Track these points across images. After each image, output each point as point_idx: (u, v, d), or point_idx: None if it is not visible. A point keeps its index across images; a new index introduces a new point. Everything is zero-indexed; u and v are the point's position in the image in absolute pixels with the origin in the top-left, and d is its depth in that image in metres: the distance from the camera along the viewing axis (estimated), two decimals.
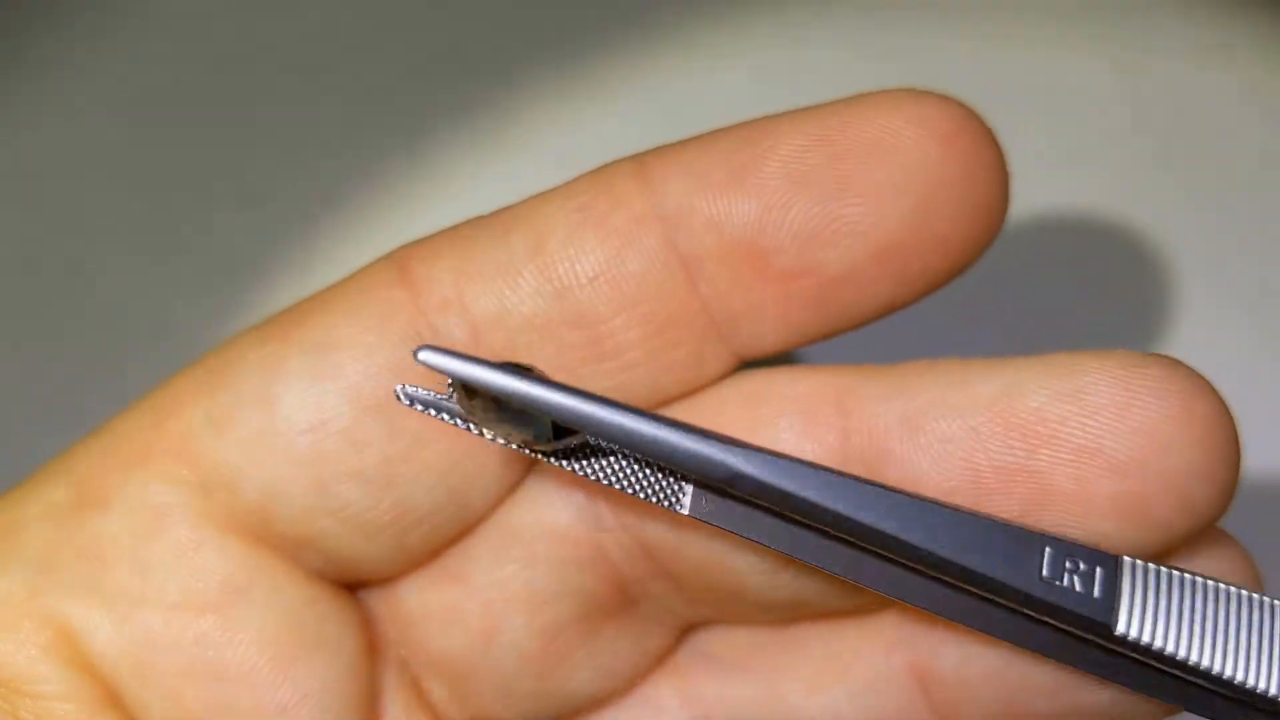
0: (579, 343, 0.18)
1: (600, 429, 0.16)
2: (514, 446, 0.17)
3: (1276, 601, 0.17)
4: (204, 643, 0.18)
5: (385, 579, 0.20)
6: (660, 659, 0.21)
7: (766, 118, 0.18)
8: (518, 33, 0.36)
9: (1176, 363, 0.17)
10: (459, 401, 0.17)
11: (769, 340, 0.19)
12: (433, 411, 0.17)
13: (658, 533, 0.19)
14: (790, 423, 0.18)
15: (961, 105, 0.18)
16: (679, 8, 0.35)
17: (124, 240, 0.34)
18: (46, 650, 0.18)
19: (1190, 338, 0.31)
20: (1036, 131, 0.33)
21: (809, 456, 0.18)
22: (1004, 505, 0.17)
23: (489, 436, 0.17)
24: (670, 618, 0.20)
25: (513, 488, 0.20)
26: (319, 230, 0.34)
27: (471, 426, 0.17)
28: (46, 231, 0.35)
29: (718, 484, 0.17)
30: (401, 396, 0.17)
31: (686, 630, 0.21)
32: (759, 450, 0.17)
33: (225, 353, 0.19)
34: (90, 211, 0.35)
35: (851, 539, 0.17)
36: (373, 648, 0.20)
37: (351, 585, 0.20)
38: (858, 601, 0.19)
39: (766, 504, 0.17)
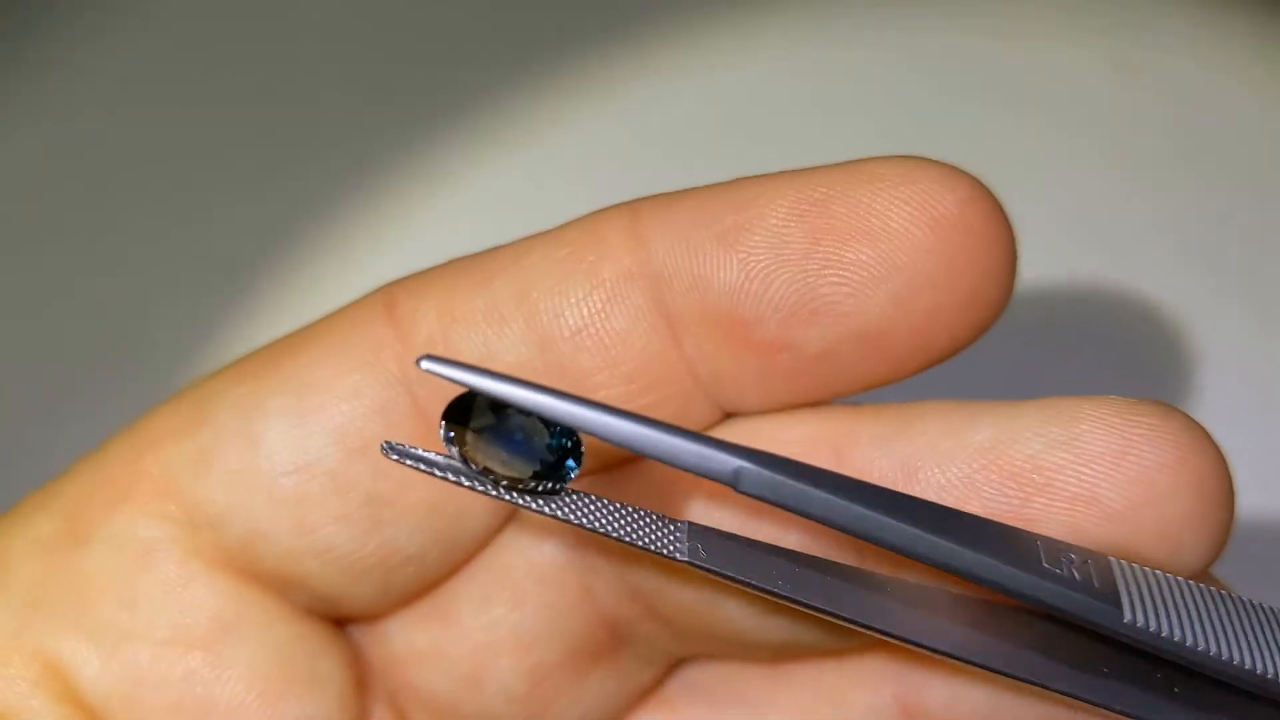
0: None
1: (603, 432, 0.16)
2: (505, 497, 0.17)
3: (1258, 602, 0.17)
4: (192, 678, 0.18)
5: (372, 617, 0.20)
6: (649, 692, 0.21)
7: (760, 179, 0.18)
8: (517, 33, 0.35)
9: (1171, 409, 0.17)
10: (453, 434, 0.16)
11: (753, 404, 0.18)
12: (421, 466, 0.17)
13: (647, 576, 0.19)
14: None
15: (966, 183, 0.17)
16: (679, 8, 0.35)
17: (122, 242, 0.34)
18: (36, 684, 0.18)
19: (1188, 342, 0.31)
20: (1032, 130, 0.33)
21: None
22: None
23: (480, 488, 0.17)
24: (660, 656, 0.20)
25: (500, 528, 0.19)
26: (319, 230, 0.34)
27: (463, 479, 0.17)
28: (44, 232, 0.35)
29: (720, 482, 0.16)
30: (389, 452, 0.17)
31: (675, 665, 0.21)
32: (760, 451, 0.16)
33: (208, 387, 0.19)
34: (89, 212, 0.34)
35: (854, 535, 0.17)
36: (361, 683, 0.20)
37: (340, 620, 0.20)
38: (851, 643, 0.19)
39: (768, 500, 0.16)
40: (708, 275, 0.17)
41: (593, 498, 0.17)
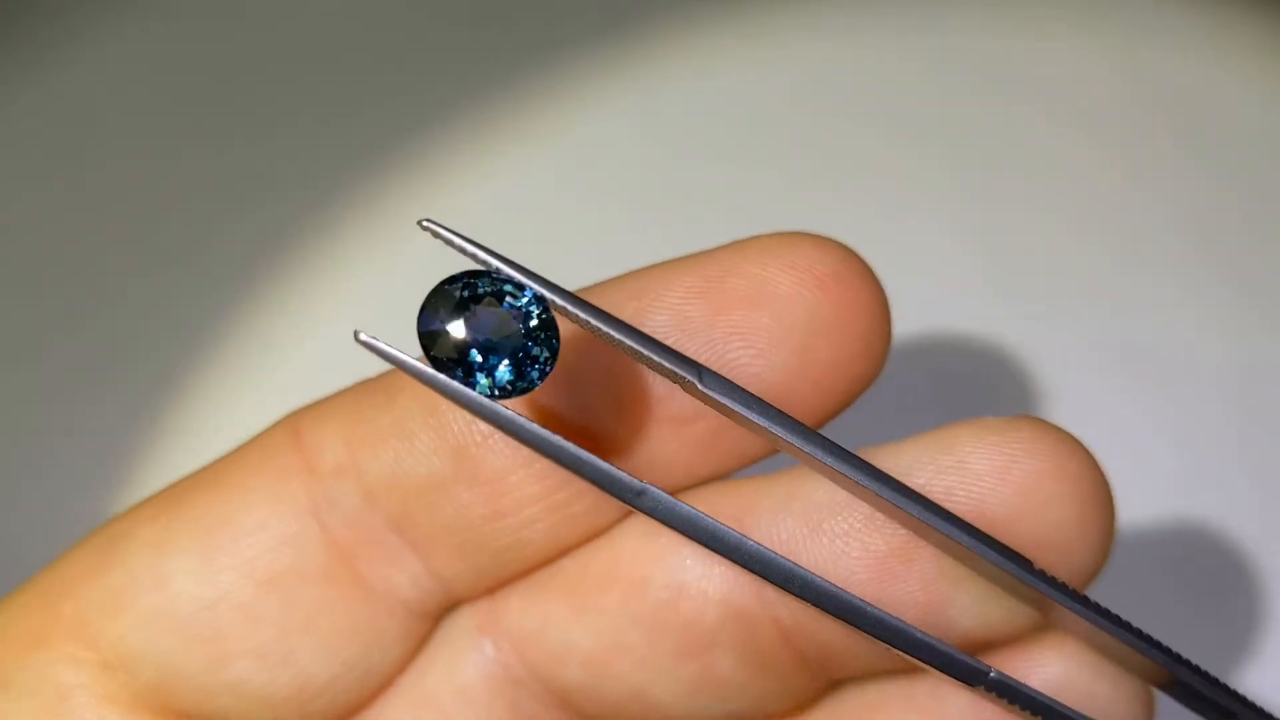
0: (477, 500, 0.18)
1: (581, 312, 0.17)
2: (479, 399, 0.16)
3: None
4: None
5: None
6: None
7: (651, 268, 0.19)
8: (516, 33, 0.36)
9: (1043, 422, 0.18)
10: (436, 313, 0.16)
11: (674, 479, 0.19)
12: (391, 354, 0.16)
13: (572, 678, 0.19)
14: (694, 547, 0.18)
15: (839, 248, 0.18)
16: (679, 8, 0.36)
17: (118, 244, 0.33)
18: None
19: (1182, 341, 0.31)
20: (1032, 126, 0.34)
21: (717, 579, 0.18)
22: (906, 583, 0.18)
23: (451, 389, 0.16)
24: None
25: (418, 648, 0.19)
26: (318, 228, 0.33)
27: (438, 379, 0.16)
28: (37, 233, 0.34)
29: (684, 378, 0.17)
30: (362, 338, 0.16)
31: None
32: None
33: (119, 526, 0.19)
34: (87, 215, 0.34)
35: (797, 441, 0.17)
36: None
37: None
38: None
39: (725, 402, 0.17)
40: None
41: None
